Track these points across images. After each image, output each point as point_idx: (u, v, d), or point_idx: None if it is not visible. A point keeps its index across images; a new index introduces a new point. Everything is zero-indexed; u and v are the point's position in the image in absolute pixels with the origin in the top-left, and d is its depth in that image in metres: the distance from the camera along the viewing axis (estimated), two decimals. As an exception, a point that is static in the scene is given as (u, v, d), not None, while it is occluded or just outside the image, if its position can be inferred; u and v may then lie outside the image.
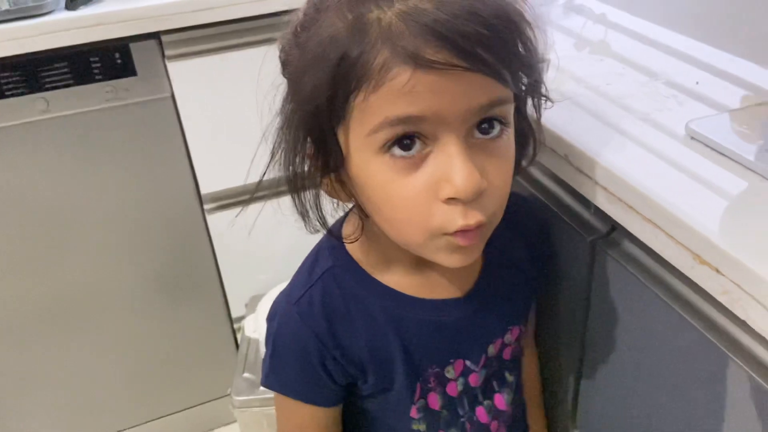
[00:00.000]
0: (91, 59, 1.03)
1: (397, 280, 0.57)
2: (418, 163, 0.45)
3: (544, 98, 0.52)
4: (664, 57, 0.71)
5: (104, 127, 1.08)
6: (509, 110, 0.46)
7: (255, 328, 1.13)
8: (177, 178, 1.17)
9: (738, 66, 0.67)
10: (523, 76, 0.47)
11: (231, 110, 1.13)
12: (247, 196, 1.25)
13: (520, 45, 0.44)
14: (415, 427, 0.62)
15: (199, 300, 1.32)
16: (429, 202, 0.45)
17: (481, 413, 0.63)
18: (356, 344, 0.57)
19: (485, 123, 0.45)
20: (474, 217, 0.45)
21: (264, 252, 1.30)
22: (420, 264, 0.56)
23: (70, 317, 1.23)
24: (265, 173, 0.53)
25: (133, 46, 1.04)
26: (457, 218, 0.45)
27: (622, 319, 0.57)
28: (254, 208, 1.23)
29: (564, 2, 0.92)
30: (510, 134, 0.47)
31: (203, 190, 1.20)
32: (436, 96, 0.42)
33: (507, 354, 0.64)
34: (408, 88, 0.42)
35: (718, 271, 0.41)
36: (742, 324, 0.42)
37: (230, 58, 1.09)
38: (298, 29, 0.47)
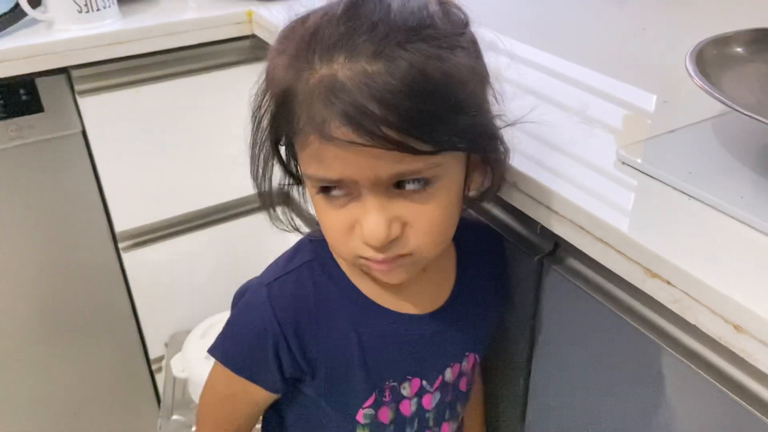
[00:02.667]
0: (-7, 96, 0.97)
1: (371, 287, 0.59)
2: (345, 203, 0.50)
3: (498, 152, 0.54)
4: (559, 83, 0.78)
5: (9, 166, 1.02)
6: (433, 171, 0.48)
7: (183, 367, 1.10)
8: (90, 216, 1.12)
9: (617, 88, 0.76)
10: (456, 138, 0.48)
11: (144, 145, 1.10)
12: (162, 232, 1.23)
13: (453, 116, 0.46)
14: (359, 430, 0.63)
15: (114, 341, 1.26)
16: (350, 235, 0.51)
17: None
18: (315, 342, 0.59)
19: (402, 181, 0.48)
20: (382, 254, 0.50)
21: (182, 288, 1.27)
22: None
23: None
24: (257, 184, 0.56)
25: (40, 82, 0.99)
26: (370, 253, 0.50)
27: (570, 332, 0.63)
28: (171, 243, 1.21)
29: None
30: (438, 186, 0.50)
31: (117, 228, 1.15)
32: (344, 164, 0.46)
33: (463, 385, 0.67)
34: (319, 155, 0.46)
35: (669, 282, 0.47)
36: (692, 329, 0.47)
37: (142, 92, 1.06)
38: (270, 59, 0.50)
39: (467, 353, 0.66)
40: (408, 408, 0.63)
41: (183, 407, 1.11)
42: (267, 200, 0.57)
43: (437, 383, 0.64)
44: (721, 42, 0.56)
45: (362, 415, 0.62)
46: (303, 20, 0.48)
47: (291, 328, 0.57)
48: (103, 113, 1.04)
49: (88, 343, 1.23)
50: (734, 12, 0.99)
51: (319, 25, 0.46)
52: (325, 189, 0.50)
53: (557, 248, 0.63)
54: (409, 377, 0.62)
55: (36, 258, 1.11)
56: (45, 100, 1.00)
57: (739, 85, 0.53)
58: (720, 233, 0.49)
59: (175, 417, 1.09)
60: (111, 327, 1.25)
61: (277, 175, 0.56)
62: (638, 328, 0.54)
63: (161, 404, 1.16)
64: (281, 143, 0.53)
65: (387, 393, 0.61)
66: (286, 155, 0.54)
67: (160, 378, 1.33)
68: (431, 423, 0.66)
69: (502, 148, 0.55)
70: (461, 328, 0.64)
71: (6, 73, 0.95)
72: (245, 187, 0.62)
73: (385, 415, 0.63)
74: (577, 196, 0.54)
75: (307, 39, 0.46)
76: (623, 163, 0.59)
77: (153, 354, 1.31)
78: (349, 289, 0.59)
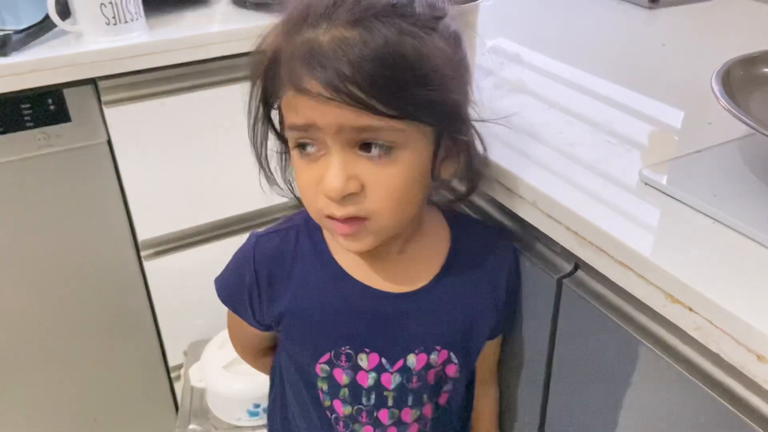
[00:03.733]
0: (22, 106, 0.98)
1: (347, 258, 0.64)
2: (316, 159, 0.54)
3: (466, 133, 0.57)
4: (586, 99, 0.78)
5: (36, 174, 1.04)
6: (393, 136, 0.52)
7: (201, 377, 1.10)
8: (113, 224, 1.13)
9: (643, 104, 0.75)
10: (422, 110, 0.52)
11: (168, 155, 1.11)
12: (184, 241, 1.24)
13: (414, 87, 0.50)
14: (318, 383, 0.67)
15: (134, 348, 1.27)
16: (317, 191, 0.55)
17: (383, 415, 0.68)
18: (283, 295, 0.65)
19: (366, 144, 0.53)
20: (341, 211, 0.54)
21: (202, 297, 1.27)
22: (384, 256, 0.63)
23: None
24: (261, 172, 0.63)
25: (67, 92, 1.01)
26: (331, 209, 0.54)
27: (588, 353, 0.62)
28: (192, 252, 1.22)
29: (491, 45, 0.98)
30: (398, 155, 0.53)
31: (140, 237, 1.16)
32: (311, 112, 0.51)
33: (431, 377, 0.67)
34: (293, 104, 0.52)
35: (691, 309, 0.46)
36: (713, 355, 0.46)
37: (167, 103, 1.07)
38: (264, 32, 0.56)
39: (437, 347, 0.65)
40: (365, 379, 0.66)
41: (200, 416, 1.11)
42: (264, 163, 0.62)
43: (398, 365, 0.65)
44: (748, 62, 0.55)
45: (320, 369, 0.66)
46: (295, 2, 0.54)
47: (264, 278, 0.65)
48: (128, 123, 1.06)
49: (108, 349, 1.24)
50: (762, 28, 0.98)
51: (307, 2, 0.52)
52: (301, 146, 0.55)
53: (578, 268, 0.62)
54: (367, 350, 0.65)
55: (60, 264, 1.12)
56: (72, 109, 1.02)
57: (767, 107, 0.52)
58: (745, 258, 0.48)
59: (192, 426, 1.09)
60: (131, 334, 1.26)
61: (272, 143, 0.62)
62: (658, 353, 0.53)
63: (179, 413, 1.17)
64: (273, 107, 0.58)
65: (343, 358, 0.65)
66: (278, 121, 0.60)
67: (178, 386, 1.33)
68: (390, 403, 0.67)
69: (474, 139, 0.58)
70: (432, 318, 0.65)
71: (35, 84, 0.96)
72: (266, 198, 0.66)
73: (341, 376, 0.66)
74: (598, 217, 0.54)
75: (301, 9, 0.52)
76: (646, 183, 0.58)
77: (172, 362, 1.31)
78: (325, 256, 0.64)
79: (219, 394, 1.07)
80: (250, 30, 1.04)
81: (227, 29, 1.04)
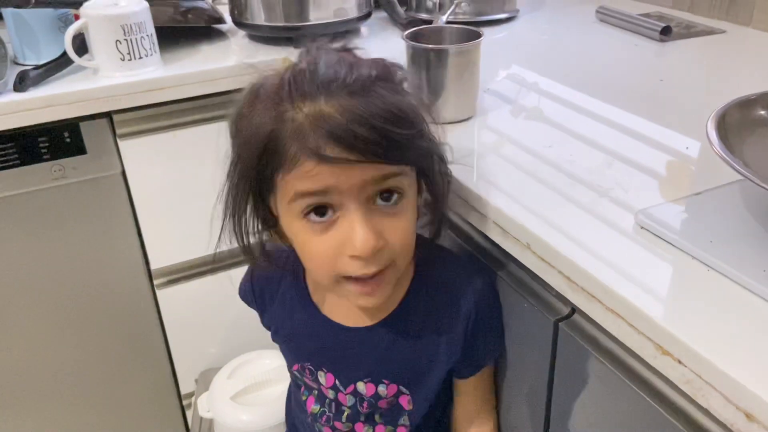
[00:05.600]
0: (40, 139, 1.01)
1: (319, 295, 0.71)
2: (329, 226, 0.56)
3: (445, 174, 0.64)
4: (606, 126, 0.78)
5: (52, 204, 1.06)
6: (403, 182, 0.57)
7: (209, 407, 1.10)
8: (126, 253, 1.15)
9: (649, 138, 0.74)
10: (418, 158, 0.59)
11: (181, 186, 1.13)
12: (196, 270, 1.25)
13: (411, 139, 0.55)
14: (298, 380, 0.77)
15: (147, 376, 1.29)
16: (336, 256, 0.57)
17: (338, 424, 0.74)
18: (269, 311, 0.76)
19: (385, 193, 0.56)
20: (371, 268, 0.57)
21: (214, 326, 1.29)
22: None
23: (8, 398, 1.17)
24: (220, 237, 0.64)
25: (83, 125, 1.03)
26: (358, 269, 0.56)
27: (585, 399, 0.60)
28: (204, 281, 1.23)
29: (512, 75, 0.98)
30: (406, 201, 0.58)
31: (153, 265, 1.18)
32: (334, 176, 0.53)
33: (383, 405, 0.71)
34: (313, 173, 0.53)
35: (680, 362, 0.45)
36: (704, 409, 0.45)
37: (180, 136, 1.09)
38: (238, 116, 0.59)
39: (385, 380, 0.69)
40: (327, 392, 0.73)
41: (209, 447, 1.12)
42: (252, 250, 0.66)
43: (350, 389, 0.71)
44: (745, 105, 0.54)
45: (295, 370, 0.75)
46: (263, 83, 0.57)
47: (258, 293, 0.76)
48: (142, 155, 1.08)
49: (121, 376, 1.26)
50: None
51: (290, 79, 0.55)
52: (310, 213, 0.56)
53: (575, 312, 0.61)
54: (324, 369, 0.72)
55: (75, 292, 1.14)
56: (88, 142, 1.05)
57: (764, 150, 0.51)
58: (738, 310, 0.47)
59: (200, 456, 1.10)
60: (144, 362, 1.27)
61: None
62: (652, 403, 0.51)
63: (189, 442, 1.17)
64: (256, 188, 0.59)
65: (307, 371, 0.73)
66: (259, 202, 0.61)
67: (190, 414, 1.34)
68: (344, 418, 0.73)
69: (446, 173, 0.64)
70: (382, 354, 0.68)
71: (52, 117, 0.99)
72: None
73: (309, 382, 0.74)
74: (590, 262, 0.53)
75: (285, 89, 0.54)
76: (642, 227, 0.57)
77: (184, 389, 1.32)
78: (300, 283, 0.72)
79: (226, 425, 1.07)
80: (260, 64, 1.06)
81: (236, 64, 1.06)
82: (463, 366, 0.70)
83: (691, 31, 1.13)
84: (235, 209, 0.62)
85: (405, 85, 0.59)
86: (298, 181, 0.54)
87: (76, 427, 1.26)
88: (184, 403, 1.34)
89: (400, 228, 0.58)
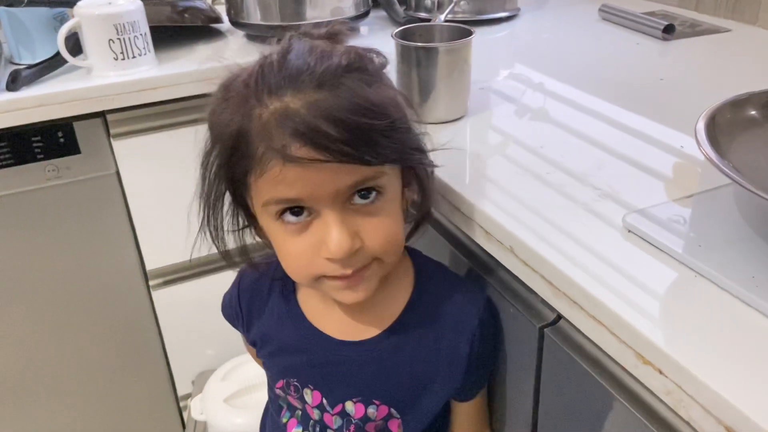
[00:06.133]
0: (33, 138, 1.01)
1: (309, 305, 0.67)
2: (305, 226, 0.54)
3: (427, 165, 0.60)
4: (603, 125, 0.76)
5: (46, 205, 1.06)
6: (381, 181, 0.54)
7: (202, 410, 1.09)
8: (122, 254, 1.15)
9: (645, 139, 0.72)
10: (395, 152, 0.54)
11: (175, 186, 1.11)
12: (192, 271, 1.24)
13: (384, 132, 0.51)
14: (280, 401, 0.71)
15: (144, 377, 1.28)
16: (313, 257, 0.54)
17: None
18: (256, 324, 0.70)
19: (366, 191, 0.54)
20: (348, 269, 0.54)
21: (210, 327, 1.27)
22: (341, 304, 0.63)
23: (3, 398, 1.17)
24: (197, 236, 0.61)
25: (77, 125, 1.03)
26: (335, 270, 0.54)
27: (571, 407, 0.58)
28: (200, 282, 1.22)
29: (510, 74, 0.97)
30: (386, 198, 0.55)
31: (148, 266, 1.17)
32: (305, 183, 0.51)
33: (371, 428, 0.65)
34: (281, 177, 0.50)
35: (660, 372, 0.43)
36: (686, 422, 0.43)
37: (174, 135, 1.09)
38: (211, 112, 0.56)
39: (375, 401, 0.64)
40: (312, 413, 0.67)
41: (202, 449, 1.11)
42: (235, 252, 0.63)
43: (337, 409, 0.66)
44: (737, 105, 0.52)
45: (278, 392, 0.70)
46: (236, 76, 0.54)
47: (245, 307, 0.71)
48: (136, 155, 1.07)
49: (118, 378, 1.25)
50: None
51: (258, 73, 0.52)
52: (284, 213, 0.53)
53: (560, 318, 0.59)
54: (311, 387, 0.66)
55: (70, 292, 1.14)
56: (82, 142, 1.04)
57: (753, 152, 0.49)
58: (725, 319, 0.45)
59: (193, 459, 1.09)
60: (141, 363, 1.27)
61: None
62: (636, 414, 0.49)
63: (183, 444, 1.17)
64: (231, 188, 0.57)
65: (292, 388, 0.68)
66: (237, 199, 0.58)
67: (187, 415, 1.33)
68: None
69: (428, 165, 0.60)
70: (374, 372, 0.64)
71: (46, 117, 0.99)
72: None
73: (294, 401, 0.69)
74: (573, 267, 0.51)
75: (252, 84, 0.51)
76: (629, 231, 0.55)
77: (181, 391, 1.32)
78: (289, 294, 0.67)
79: (219, 428, 1.06)
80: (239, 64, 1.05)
81: (229, 64, 1.04)
82: (465, 389, 0.66)
83: (695, 30, 1.10)
84: (211, 208, 0.59)
85: (378, 76, 0.56)
86: (270, 186, 0.52)
87: (72, 428, 1.26)
88: (181, 404, 1.33)
89: (379, 227, 0.55)
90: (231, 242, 0.63)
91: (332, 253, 0.52)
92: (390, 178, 0.56)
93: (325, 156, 0.49)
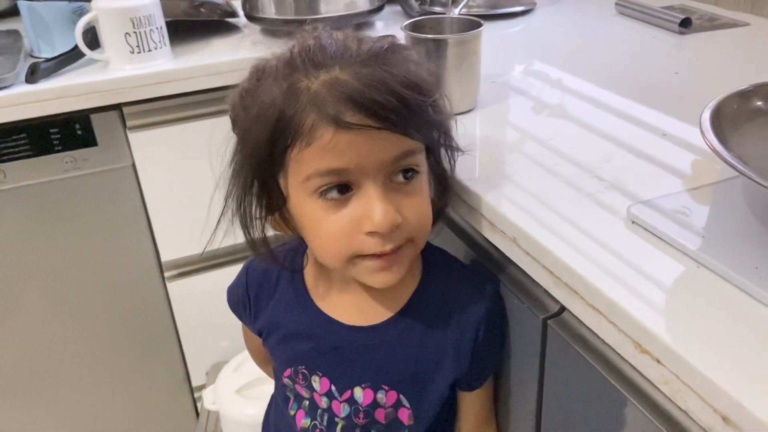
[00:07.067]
0: (51, 130, 1.03)
1: (318, 290, 0.67)
2: (343, 203, 0.54)
3: (455, 149, 0.62)
4: (613, 116, 0.76)
5: (64, 196, 1.08)
6: (420, 159, 0.56)
7: (214, 400, 1.11)
8: (137, 245, 1.16)
9: (657, 131, 0.71)
10: (432, 131, 0.57)
11: (190, 178, 1.13)
12: (207, 263, 1.25)
13: (427, 108, 0.53)
14: (287, 392, 0.71)
15: (159, 368, 1.30)
16: (352, 234, 0.54)
17: None
18: (263, 313, 0.70)
19: (405, 170, 0.54)
20: (390, 244, 0.54)
21: (225, 319, 1.28)
22: (351, 289, 0.64)
23: (21, 388, 1.20)
24: (218, 224, 0.61)
25: (94, 117, 1.04)
26: (376, 246, 0.54)
27: (574, 398, 0.58)
28: (215, 274, 1.23)
29: (523, 68, 0.96)
30: (421, 178, 0.57)
31: (164, 258, 1.19)
32: (355, 151, 0.51)
33: (380, 417, 0.65)
34: (332, 145, 0.51)
35: (658, 361, 0.42)
36: (685, 412, 0.43)
37: (189, 128, 1.10)
38: (244, 94, 0.56)
39: (384, 386, 0.64)
40: (320, 401, 0.67)
41: (214, 439, 1.12)
42: (259, 241, 0.62)
43: (345, 395, 0.66)
44: (743, 96, 0.51)
45: (285, 381, 0.70)
46: (269, 60, 0.55)
47: (253, 296, 0.71)
48: (151, 148, 1.09)
49: (133, 369, 1.27)
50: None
51: (301, 51, 0.53)
52: (326, 192, 0.53)
53: (564, 309, 0.59)
54: (319, 373, 0.67)
55: (86, 283, 1.16)
56: (99, 134, 1.06)
57: (760, 142, 0.48)
58: (726, 309, 0.45)
59: (206, 449, 1.10)
60: (156, 354, 1.28)
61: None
62: (638, 405, 0.49)
63: (196, 434, 1.18)
64: (263, 170, 0.56)
65: (300, 376, 0.68)
66: (269, 181, 0.57)
67: (200, 405, 1.35)
68: (339, 430, 0.67)
69: (456, 148, 0.62)
70: (383, 357, 0.64)
71: (64, 109, 1.01)
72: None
73: (301, 391, 0.69)
74: (574, 257, 0.51)
75: (296, 61, 0.52)
76: (633, 222, 0.55)
77: (195, 381, 1.33)
78: (298, 280, 0.68)
79: (230, 418, 1.08)
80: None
81: (244, 57, 1.06)
82: (471, 378, 0.66)
83: (713, 24, 1.09)
84: (238, 193, 0.58)
85: (415, 58, 0.57)
86: (318, 156, 0.51)
87: (89, 418, 1.28)
88: (195, 395, 1.35)
89: (417, 205, 0.56)
90: (257, 232, 0.62)
91: (376, 226, 0.52)
92: (423, 159, 0.57)
93: (376, 123, 0.50)
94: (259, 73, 0.55)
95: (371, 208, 0.52)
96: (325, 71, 0.51)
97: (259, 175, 0.57)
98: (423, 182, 0.57)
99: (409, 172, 0.55)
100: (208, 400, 1.12)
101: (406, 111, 0.51)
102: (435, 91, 0.55)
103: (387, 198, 0.53)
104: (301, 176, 0.53)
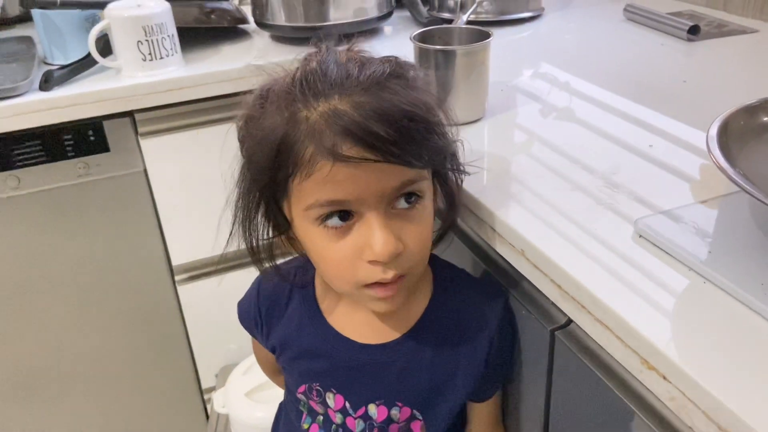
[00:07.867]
0: (65, 137, 1.04)
1: (330, 308, 0.67)
2: (345, 231, 0.54)
3: (461, 171, 0.62)
4: (622, 122, 0.77)
5: (76, 201, 1.09)
6: (423, 185, 0.55)
7: (224, 403, 1.12)
8: (148, 249, 1.18)
9: (665, 140, 0.72)
10: (435, 156, 0.55)
11: (201, 183, 1.14)
12: (217, 267, 1.26)
13: (429, 136, 0.53)
14: (300, 406, 0.71)
15: (169, 370, 1.31)
16: (354, 262, 0.54)
17: None
18: (275, 330, 0.70)
19: (408, 196, 0.54)
20: (391, 272, 0.54)
21: (234, 322, 1.30)
22: (362, 308, 0.64)
23: (34, 390, 1.21)
24: (229, 240, 0.62)
25: (107, 124, 1.06)
26: (377, 274, 0.54)
27: (581, 410, 0.59)
28: (225, 278, 1.24)
29: (531, 74, 0.97)
30: (424, 204, 0.56)
31: (174, 262, 1.20)
32: (354, 183, 0.51)
33: (394, 430, 0.66)
34: (330, 177, 0.50)
35: (664, 377, 0.43)
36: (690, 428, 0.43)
37: (200, 134, 1.11)
38: (248, 120, 0.56)
39: (398, 403, 0.65)
40: (334, 417, 0.68)
41: (224, 441, 1.13)
42: (262, 255, 0.62)
43: (360, 412, 0.66)
44: (749, 111, 0.52)
45: (299, 396, 0.70)
46: (272, 85, 0.55)
47: (264, 313, 0.70)
48: (163, 153, 1.10)
49: (143, 371, 1.28)
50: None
51: (301, 78, 0.52)
52: (327, 218, 0.53)
53: (572, 321, 0.59)
54: (334, 390, 0.67)
55: (98, 286, 1.17)
56: (111, 140, 1.07)
57: (766, 159, 0.49)
58: (732, 325, 0.45)
59: (216, 451, 1.11)
60: (167, 356, 1.30)
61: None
62: (643, 418, 0.49)
63: (206, 436, 1.19)
64: (267, 195, 0.57)
65: (314, 393, 0.68)
66: (272, 206, 0.58)
67: (210, 408, 1.36)
68: None
69: (462, 171, 0.62)
70: (396, 374, 0.64)
71: (77, 116, 1.02)
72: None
73: (316, 406, 0.69)
74: (582, 271, 0.51)
75: (295, 89, 0.52)
76: (641, 236, 0.55)
77: (205, 384, 1.34)
78: (310, 298, 0.68)
79: (240, 421, 1.09)
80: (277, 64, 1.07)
81: (255, 64, 1.07)
82: (483, 390, 0.68)
83: (722, 31, 1.09)
84: (245, 215, 0.59)
85: (418, 82, 0.56)
86: (317, 187, 0.51)
87: (99, 419, 1.29)
88: (205, 397, 1.36)
89: (418, 232, 0.56)
90: (264, 253, 0.63)
91: (377, 255, 0.52)
92: (427, 183, 0.57)
93: (374, 155, 0.49)
94: (263, 99, 0.55)
95: (372, 237, 0.53)
96: (324, 100, 0.51)
97: (265, 199, 0.57)
98: (426, 206, 0.57)
99: (412, 197, 0.55)
100: (219, 402, 1.13)
101: (406, 142, 0.50)
102: (436, 117, 0.55)
103: (388, 226, 0.53)
104: (303, 205, 0.54)
